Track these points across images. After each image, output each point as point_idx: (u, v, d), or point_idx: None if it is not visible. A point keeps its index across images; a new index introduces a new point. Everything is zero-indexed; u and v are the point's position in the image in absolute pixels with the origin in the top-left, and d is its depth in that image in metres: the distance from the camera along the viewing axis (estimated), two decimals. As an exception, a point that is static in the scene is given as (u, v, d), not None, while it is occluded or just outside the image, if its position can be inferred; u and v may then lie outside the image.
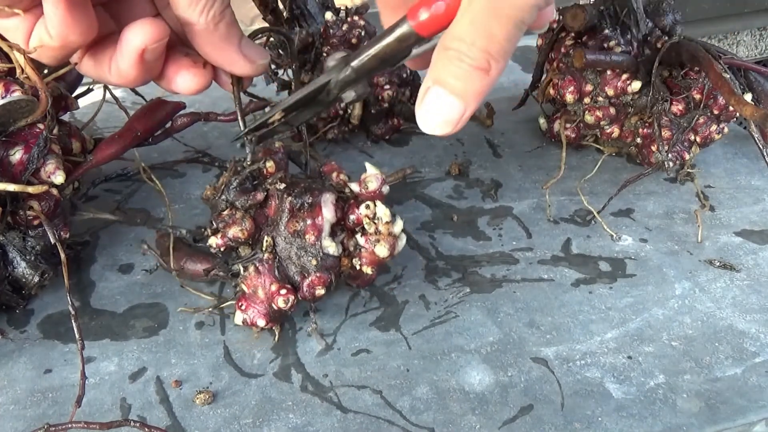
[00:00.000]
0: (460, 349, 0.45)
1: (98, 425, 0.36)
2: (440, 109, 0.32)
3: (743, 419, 0.40)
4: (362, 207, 0.45)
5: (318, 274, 0.45)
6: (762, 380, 0.43)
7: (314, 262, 0.44)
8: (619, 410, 0.41)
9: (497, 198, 0.60)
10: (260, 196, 0.45)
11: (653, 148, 0.60)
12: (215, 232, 0.45)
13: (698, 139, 0.60)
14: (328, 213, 0.44)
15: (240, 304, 0.45)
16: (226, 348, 0.45)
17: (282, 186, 0.45)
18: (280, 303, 0.44)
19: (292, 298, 0.44)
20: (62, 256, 0.42)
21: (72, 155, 0.50)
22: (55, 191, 0.45)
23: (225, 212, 0.45)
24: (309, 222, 0.44)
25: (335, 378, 0.43)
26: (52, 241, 0.43)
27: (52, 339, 0.46)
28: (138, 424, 0.36)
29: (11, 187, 0.41)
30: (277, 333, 0.46)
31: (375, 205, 0.45)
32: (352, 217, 0.45)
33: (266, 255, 0.44)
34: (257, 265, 0.44)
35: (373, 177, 0.46)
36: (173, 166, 0.64)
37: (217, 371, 0.44)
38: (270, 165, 0.46)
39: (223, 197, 0.45)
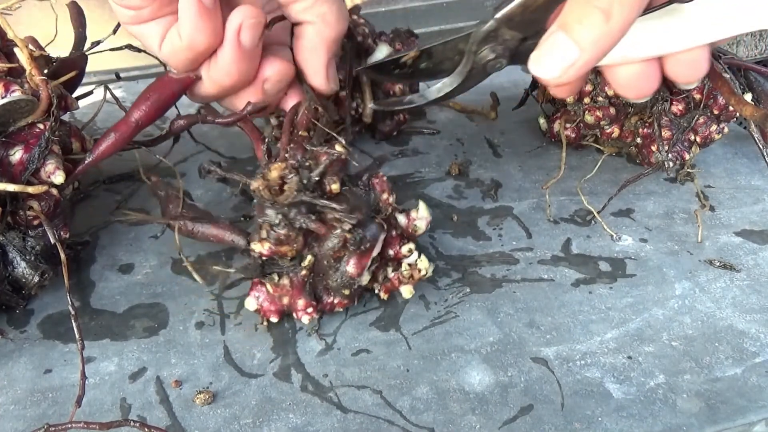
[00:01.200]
0: (460, 349, 0.45)
1: (98, 425, 0.36)
2: (555, 52, 0.32)
3: (743, 419, 0.40)
4: (405, 248, 0.46)
5: (344, 300, 0.46)
6: (762, 380, 0.43)
7: (346, 292, 0.45)
8: (619, 410, 0.41)
9: (497, 198, 0.60)
10: (322, 230, 0.43)
11: (653, 148, 0.60)
12: (261, 240, 0.43)
13: (698, 139, 0.60)
14: (375, 251, 0.45)
15: (257, 294, 0.45)
16: (226, 348, 0.45)
17: (347, 227, 0.43)
18: (303, 319, 0.45)
19: (315, 316, 0.45)
20: (62, 256, 0.42)
21: (72, 155, 0.49)
22: (55, 191, 0.45)
23: (281, 229, 0.42)
24: (355, 260, 0.44)
25: (335, 378, 0.43)
26: (52, 241, 0.43)
27: (52, 339, 0.46)
28: (138, 424, 0.36)
29: (11, 188, 0.41)
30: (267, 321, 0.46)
31: (420, 259, 0.46)
32: (390, 251, 0.46)
33: (304, 272, 0.44)
34: (292, 277, 0.45)
35: (424, 221, 0.47)
36: (173, 166, 0.64)
37: (217, 371, 0.44)
38: (335, 187, 0.43)
39: (281, 211, 0.43)
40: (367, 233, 0.43)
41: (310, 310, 0.45)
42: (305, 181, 0.43)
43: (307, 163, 0.44)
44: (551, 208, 0.58)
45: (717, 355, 0.45)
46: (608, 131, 0.63)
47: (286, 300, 0.45)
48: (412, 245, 0.46)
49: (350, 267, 0.44)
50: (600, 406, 0.41)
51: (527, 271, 0.52)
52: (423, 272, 0.47)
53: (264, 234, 0.43)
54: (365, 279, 0.45)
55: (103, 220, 0.57)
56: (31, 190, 0.42)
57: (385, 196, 0.46)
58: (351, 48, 0.61)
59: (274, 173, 0.43)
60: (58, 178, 0.44)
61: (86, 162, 0.46)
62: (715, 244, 0.55)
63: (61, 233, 0.46)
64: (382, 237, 0.45)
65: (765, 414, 0.41)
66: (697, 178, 0.61)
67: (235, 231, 0.46)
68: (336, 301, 0.46)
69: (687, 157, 0.60)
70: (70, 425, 0.36)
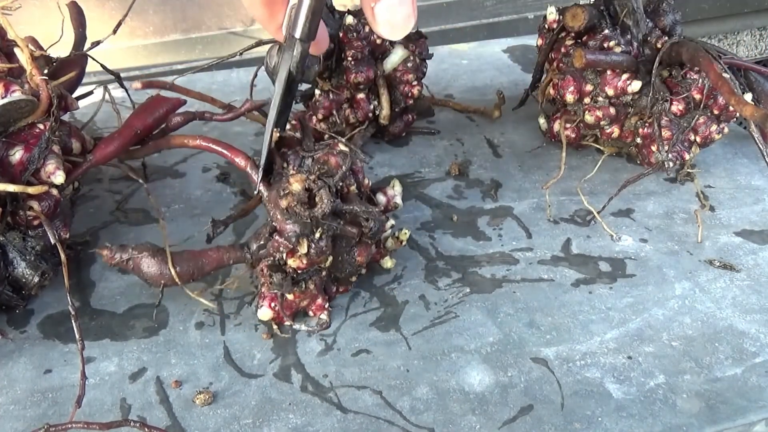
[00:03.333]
0: (460, 350, 0.45)
1: (98, 425, 0.36)
2: (397, 10, 0.35)
3: (743, 419, 0.40)
4: (388, 224, 0.48)
5: (348, 286, 0.49)
6: (762, 380, 0.43)
7: (353, 279, 0.48)
8: (619, 410, 0.41)
9: (497, 198, 0.60)
10: (356, 232, 0.44)
11: (653, 148, 0.60)
12: (300, 257, 0.43)
13: (698, 139, 0.60)
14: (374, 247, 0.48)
15: (272, 304, 0.45)
16: (226, 348, 0.45)
17: (370, 224, 0.45)
18: (322, 316, 0.46)
19: (330, 309, 0.47)
20: (62, 256, 0.42)
21: (72, 155, 0.50)
22: (55, 191, 0.45)
23: (323, 241, 0.43)
24: (363, 248, 0.46)
25: (335, 378, 0.43)
26: (52, 241, 0.43)
27: (52, 339, 0.46)
28: (138, 425, 0.36)
29: (11, 188, 0.41)
30: (273, 324, 0.46)
31: (404, 232, 0.50)
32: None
33: (324, 273, 0.46)
34: (316, 280, 0.46)
35: (400, 195, 0.51)
36: (173, 166, 0.64)
37: (217, 371, 0.44)
38: (353, 188, 0.46)
39: (317, 223, 0.43)
40: (378, 224, 0.45)
41: (327, 305, 0.46)
42: (333, 190, 0.43)
43: (316, 168, 0.44)
44: (551, 208, 0.58)
45: (717, 355, 0.45)
46: (608, 131, 0.63)
47: (305, 302, 0.46)
48: (392, 221, 0.49)
49: (359, 256, 0.46)
50: (600, 406, 0.41)
51: (527, 271, 0.52)
52: (404, 242, 0.50)
53: (305, 248, 0.43)
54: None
55: (103, 220, 0.57)
56: (31, 190, 0.42)
57: (366, 181, 0.49)
58: (369, 51, 0.62)
59: (297, 186, 0.42)
60: (58, 178, 0.44)
61: (87, 163, 0.46)
62: (715, 244, 0.55)
63: (61, 233, 0.46)
64: (387, 223, 0.48)
65: (765, 414, 0.41)
66: (697, 178, 0.61)
67: (231, 249, 0.46)
68: (341, 289, 0.49)
69: (687, 157, 0.60)
70: (70, 425, 0.36)
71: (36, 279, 0.45)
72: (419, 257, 0.53)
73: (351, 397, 0.42)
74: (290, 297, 0.45)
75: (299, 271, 0.44)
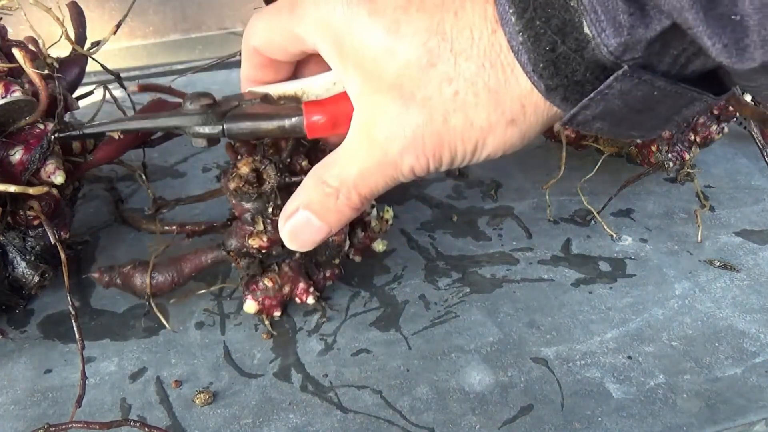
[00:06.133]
0: (460, 349, 0.45)
1: (98, 425, 0.36)
2: (307, 231, 0.35)
3: (743, 419, 0.40)
4: (373, 209, 0.48)
5: (335, 271, 0.48)
6: (762, 380, 0.43)
7: (336, 261, 0.47)
8: (619, 410, 0.41)
9: (497, 198, 0.60)
10: (338, 235, 0.45)
11: (653, 148, 0.60)
12: (259, 234, 0.44)
13: (698, 139, 0.60)
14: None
15: (255, 294, 0.45)
16: (226, 348, 0.45)
17: None
18: (309, 300, 0.46)
19: (317, 294, 0.46)
20: (62, 256, 0.42)
21: (72, 155, 0.50)
22: (55, 191, 0.45)
23: (276, 216, 0.42)
24: (345, 229, 0.46)
25: (335, 378, 0.43)
26: (52, 241, 0.43)
27: (52, 339, 0.46)
28: (138, 424, 0.36)
29: (12, 188, 0.41)
30: (269, 323, 0.46)
31: (387, 210, 0.49)
32: None
33: (298, 254, 0.46)
34: (291, 263, 0.45)
35: None
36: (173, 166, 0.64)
37: (217, 371, 0.44)
38: (305, 164, 0.45)
39: (269, 198, 0.43)
40: None
41: (312, 289, 0.46)
42: (280, 166, 0.44)
43: (270, 151, 0.44)
44: (551, 208, 0.58)
45: (717, 355, 0.45)
46: (608, 131, 0.63)
47: (287, 288, 0.46)
48: (373, 202, 0.48)
49: (336, 236, 0.45)
50: (600, 406, 0.41)
51: (527, 271, 0.52)
52: (389, 220, 0.50)
53: (260, 225, 0.44)
54: (347, 245, 0.47)
55: (103, 220, 0.57)
56: (31, 190, 0.42)
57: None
58: None
59: (245, 168, 0.43)
60: (59, 178, 0.44)
61: (87, 163, 0.46)
62: (715, 244, 0.55)
63: (61, 233, 0.46)
64: None
65: (765, 414, 0.41)
66: (697, 178, 0.61)
67: (207, 250, 0.47)
68: (327, 274, 0.48)
69: (687, 157, 0.60)
70: (70, 425, 0.36)
71: (36, 279, 0.45)
72: (419, 257, 0.53)
73: (351, 396, 0.42)
74: (269, 284, 0.45)
75: (264, 252, 0.44)
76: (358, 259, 0.49)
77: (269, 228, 0.44)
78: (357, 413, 0.41)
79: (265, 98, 0.37)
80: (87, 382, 0.39)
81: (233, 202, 0.44)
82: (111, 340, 0.46)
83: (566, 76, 0.28)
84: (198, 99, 0.37)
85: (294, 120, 0.35)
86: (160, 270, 0.46)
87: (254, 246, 0.44)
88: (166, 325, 0.46)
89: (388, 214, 0.50)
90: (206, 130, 0.37)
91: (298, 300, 0.46)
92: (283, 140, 0.44)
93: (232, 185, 0.43)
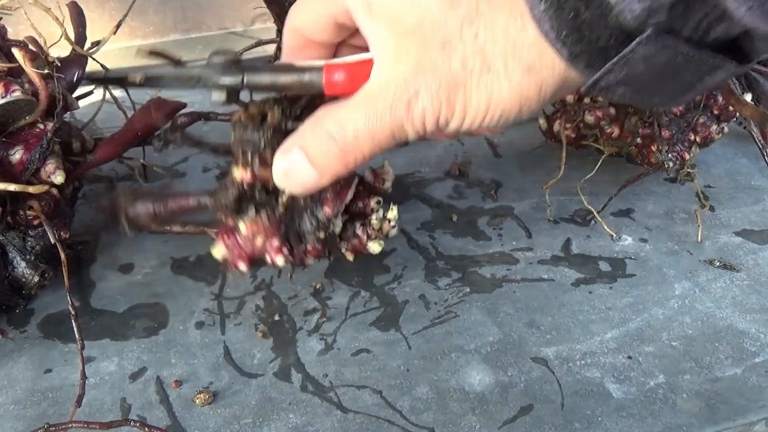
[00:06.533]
0: (460, 349, 0.45)
1: (98, 425, 0.36)
2: (299, 173, 0.35)
3: (743, 419, 0.40)
4: (374, 200, 0.45)
5: (317, 246, 0.43)
6: (762, 380, 0.43)
7: (321, 235, 0.43)
8: (619, 410, 0.41)
9: (497, 198, 0.60)
10: (329, 207, 0.42)
11: (653, 148, 0.60)
12: (245, 165, 0.40)
13: (698, 139, 0.60)
14: (350, 194, 0.44)
15: (225, 238, 0.42)
16: (226, 348, 0.45)
17: None
18: (278, 260, 0.42)
19: (290, 259, 0.43)
20: (62, 256, 0.42)
21: (72, 155, 0.50)
22: (55, 191, 0.45)
23: (267, 151, 0.40)
24: (331, 196, 0.42)
25: (335, 378, 0.43)
26: (52, 241, 0.43)
27: (52, 339, 0.46)
28: (138, 424, 0.36)
29: (12, 187, 0.41)
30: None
31: (391, 208, 0.46)
32: (359, 204, 0.45)
33: (281, 209, 0.42)
34: (269, 213, 0.42)
35: (390, 175, 0.46)
36: (173, 166, 0.64)
37: (217, 371, 0.44)
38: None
39: (263, 135, 0.40)
40: None
41: (285, 251, 0.42)
42: (288, 112, 0.41)
43: (285, 103, 0.41)
44: (551, 208, 0.58)
45: (717, 355, 0.45)
46: (608, 131, 0.63)
47: (259, 241, 0.42)
48: (380, 197, 0.46)
49: (326, 206, 0.43)
50: (600, 406, 0.41)
51: (527, 271, 0.52)
52: (393, 222, 0.46)
53: (248, 158, 0.40)
54: (338, 225, 0.44)
55: (103, 220, 0.57)
56: (31, 189, 0.42)
57: None
58: None
59: (254, 109, 0.41)
60: (58, 178, 0.44)
61: (87, 163, 0.46)
62: (715, 244, 0.55)
63: (61, 233, 0.46)
64: (356, 179, 0.45)
65: (765, 414, 0.41)
66: (697, 178, 0.61)
67: (195, 193, 0.43)
68: (310, 248, 0.44)
69: (687, 157, 0.60)
70: (70, 425, 0.36)
71: (36, 279, 0.45)
72: (419, 257, 0.53)
73: (351, 396, 0.42)
74: (243, 228, 0.42)
75: (246, 188, 0.41)
76: (351, 257, 0.46)
77: (256, 162, 0.40)
78: (357, 413, 0.41)
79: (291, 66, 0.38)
80: (87, 381, 0.39)
81: (232, 134, 0.41)
82: (111, 340, 0.46)
83: (591, 42, 0.28)
84: (224, 53, 0.37)
85: (314, 75, 0.35)
86: (143, 199, 0.43)
87: (237, 178, 0.41)
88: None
89: (392, 213, 0.46)
90: (227, 80, 0.37)
91: (268, 258, 0.42)
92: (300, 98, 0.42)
93: (234, 117, 0.41)
